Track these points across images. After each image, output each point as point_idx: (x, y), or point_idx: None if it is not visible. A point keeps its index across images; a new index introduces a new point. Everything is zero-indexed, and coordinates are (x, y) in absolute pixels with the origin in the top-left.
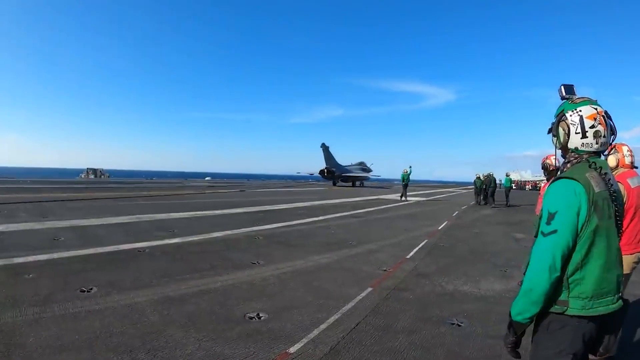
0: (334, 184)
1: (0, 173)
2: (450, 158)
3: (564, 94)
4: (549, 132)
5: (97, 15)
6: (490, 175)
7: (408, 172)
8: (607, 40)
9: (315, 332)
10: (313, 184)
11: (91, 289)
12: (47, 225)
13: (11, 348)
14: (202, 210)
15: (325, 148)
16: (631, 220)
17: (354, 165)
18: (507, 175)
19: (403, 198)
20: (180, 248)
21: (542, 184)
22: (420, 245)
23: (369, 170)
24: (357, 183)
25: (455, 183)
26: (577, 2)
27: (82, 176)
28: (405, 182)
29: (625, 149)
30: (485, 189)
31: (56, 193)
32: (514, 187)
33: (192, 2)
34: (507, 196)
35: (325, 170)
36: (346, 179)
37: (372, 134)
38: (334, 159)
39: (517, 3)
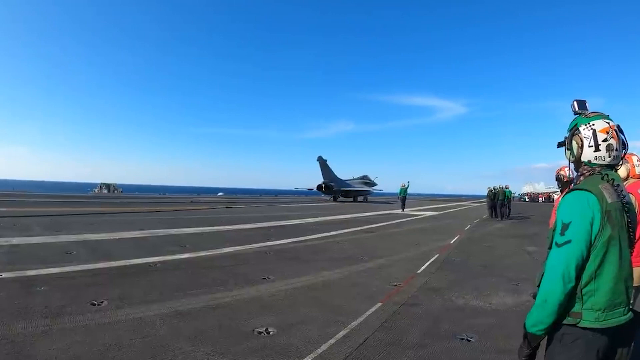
0: (335, 199)
1: (14, 187)
2: (463, 171)
3: (576, 109)
4: (559, 146)
5: (112, 27)
6: (496, 187)
7: (406, 186)
8: (618, 49)
9: (324, 347)
10: (322, 199)
11: (102, 302)
12: (60, 239)
13: (21, 359)
14: (214, 226)
15: (322, 162)
16: None
17: (355, 179)
18: (507, 188)
19: (402, 211)
20: (191, 263)
21: (556, 196)
22: (432, 260)
23: (372, 184)
24: (360, 198)
25: (469, 196)
26: (586, 13)
27: (96, 191)
28: (403, 196)
29: (635, 158)
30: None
31: (69, 207)
32: (526, 200)
33: (206, 15)
34: (505, 207)
35: (323, 185)
36: (347, 194)
37: (384, 147)
38: (333, 173)
39: (524, 14)
